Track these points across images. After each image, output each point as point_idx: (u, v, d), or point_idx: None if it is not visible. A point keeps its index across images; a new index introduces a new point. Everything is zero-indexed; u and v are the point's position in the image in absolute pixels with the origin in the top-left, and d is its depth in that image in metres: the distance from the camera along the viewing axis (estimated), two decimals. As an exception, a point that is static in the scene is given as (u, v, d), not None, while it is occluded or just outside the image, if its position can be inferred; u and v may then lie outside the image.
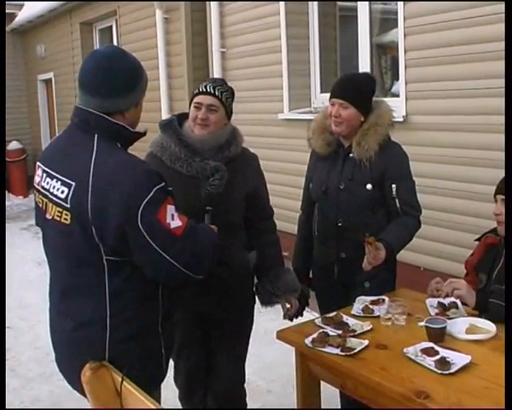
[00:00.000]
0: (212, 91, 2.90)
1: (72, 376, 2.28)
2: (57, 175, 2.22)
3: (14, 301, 6.26)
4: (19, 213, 11.71)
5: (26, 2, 12.61)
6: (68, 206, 2.16)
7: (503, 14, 3.48)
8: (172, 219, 2.16)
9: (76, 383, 2.27)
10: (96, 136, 2.20)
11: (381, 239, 3.00)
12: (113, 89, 2.21)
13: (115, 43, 9.71)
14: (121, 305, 2.23)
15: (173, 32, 7.83)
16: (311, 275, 3.46)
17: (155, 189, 2.13)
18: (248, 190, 3.02)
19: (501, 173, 2.98)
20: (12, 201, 12.67)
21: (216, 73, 6.84)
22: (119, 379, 2.10)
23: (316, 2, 5.96)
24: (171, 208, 2.17)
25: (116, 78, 2.21)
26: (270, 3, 6.10)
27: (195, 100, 2.93)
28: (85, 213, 2.12)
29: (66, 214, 2.17)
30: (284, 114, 6.07)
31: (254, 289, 3.17)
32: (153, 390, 2.34)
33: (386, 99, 3.46)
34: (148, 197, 2.10)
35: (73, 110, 2.32)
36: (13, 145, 12.85)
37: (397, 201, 3.14)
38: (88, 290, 2.25)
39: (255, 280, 3.18)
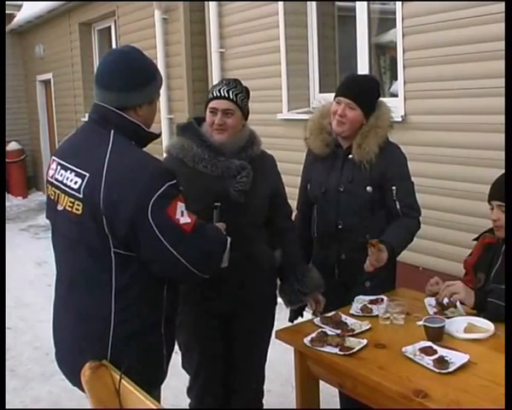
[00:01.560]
0: (227, 95, 2.89)
1: (74, 373, 2.28)
2: (71, 167, 2.27)
3: (13, 301, 6.27)
4: (18, 214, 11.72)
5: (24, 3, 12.61)
6: (81, 196, 2.21)
7: (502, 14, 3.50)
8: (182, 215, 2.20)
9: (77, 380, 2.27)
10: (112, 131, 2.25)
11: (383, 241, 3.01)
12: (127, 83, 2.28)
13: (114, 43, 9.72)
14: (126, 301, 2.26)
15: (172, 32, 7.83)
16: None
17: (167, 184, 2.18)
18: (270, 189, 3.05)
19: (498, 173, 2.99)
20: (11, 201, 12.67)
21: (215, 73, 6.84)
22: (117, 377, 2.10)
23: (314, 3, 5.96)
24: (181, 205, 2.21)
25: (131, 72, 2.28)
26: (269, 4, 6.10)
27: (210, 105, 2.92)
28: (97, 204, 2.16)
29: (78, 205, 2.22)
30: (283, 114, 6.07)
31: (278, 289, 3.18)
32: (152, 390, 2.35)
33: (385, 99, 3.46)
34: (160, 192, 2.15)
35: (92, 107, 2.37)
36: (12, 146, 12.85)
37: (397, 202, 3.16)
38: (94, 284, 2.27)
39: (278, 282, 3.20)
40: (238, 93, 2.92)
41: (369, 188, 3.14)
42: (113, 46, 9.74)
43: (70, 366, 2.36)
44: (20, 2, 12.71)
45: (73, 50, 10.95)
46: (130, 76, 2.28)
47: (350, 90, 3.16)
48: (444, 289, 2.81)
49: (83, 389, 2.24)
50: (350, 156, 3.18)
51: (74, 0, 10.02)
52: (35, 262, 7.87)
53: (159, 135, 2.44)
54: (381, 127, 3.15)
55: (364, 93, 3.17)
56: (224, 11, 6.77)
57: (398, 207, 3.16)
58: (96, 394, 2.14)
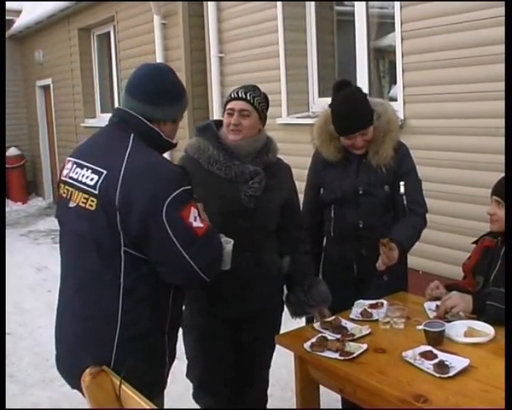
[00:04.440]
0: (244, 96, 2.92)
1: (75, 374, 2.28)
2: (88, 164, 2.33)
3: (12, 306, 6.26)
4: (18, 220, 11.71)
5: (24, 9, 12.61)
6: (96, 192, 2.25)
7: (500, 18, 3.50)
8: (195, 220, 2.25)
9: (78, 381, 2.25)
10: (132, 135, 2.31)
11: (392, 239, 3.01)
12: (156, 97, 2.36)
13: (113, 49, 9.73)
14: (133, 303, 2.28)
15: (171, 37, 7.84)
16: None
17: (182, 189, 2.23)
18: (284, 198, 3.05)
19: (497, 176, 3.00)
20: (11, 207, 12.67)
21: (214, 78, 6.85)
22: (117, 382, 2.10)
23: (313, 8, 5.97)
24: (194, 211, 2.26)
25: (161, 88, 2.38)
26: (268, 9, 6.11)
27: (228, 106, 2.95)
28: (112, 201, 2.20)
29: (92, 200, 2.26)
30: (282, 118, 6.08)
31: (284, 298, 3.18)
32: (155, 397, 2.36)
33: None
34: (175, 194, 2.20)
35: (114, 111, 2.45)
36: (11, 151, 12.84)
37: (404, 198, 3.18)
38: (102, 284, 2.29)
39: (285, 290, 3.20)
40: (255, 96, 2.95)
41: (386, 187, 3.19)
42: (113, 51, 9.77)
43: (72, 367, 2.36)
44: (19, 7, 12.72)
45: (73, 56, 10.96)
46: (158, 92, 2.37)
47: (358, 124, 3.14)
48: (441, 305, 2.81)
49: (82, 392, 2.24)
50: (364, 160, 3.21)
51: (75, 0, 9.98)
52: (35, 268, 7.85)
53: (175, 144, 2.49)
54: (394, 130, 3.19)
55: (367, 112, 3.16)
56: (224, 16, 6.79)
57: (404, 202, 3.18)
58: (96, 399, 2.14)
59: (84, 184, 2.30)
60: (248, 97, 2.92)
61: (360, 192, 3.21)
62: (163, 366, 2.44)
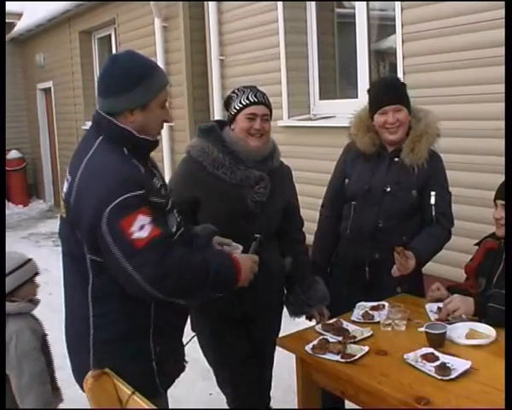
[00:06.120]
0: (263, 101, 2.91)
1: (73, 370, 2.39)
2: (68, 172, 2.30)
3: (14, 309, 6.25)
4: (19, 222, 11.70)
5: (24, 12, 12.62)
6: (65, 199, 2.24)
7: (502, 20, 3.50)
8: (141, 229, 2.08)
9: (75, 378, 2.37)
10: (100, 137, 2.24)
11: (412, 248, 3.03)
12: (112, 88, 2.24)
13: (114, 51, 9.72)
14: (105, 306, 2.25)
15: (172, 40, 7.85)
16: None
17: (127, 195, 2.08)
18: (286, 201, 3.06)
19: (499, 178, 3.00)
20: (12, 210, 12.67)
21: (215, 80, 6.85)
22: (121, 387, 2.10)
23: (314, 10, 5.97)
24: (142, 219, 2.10)
25: (115, 77, 2.24)
26: (269, 11, 6.11)
27: (248, 111, 2.89)
28: (71, 208, 2.20)
29: (64, 208, 2.26)
30: (283, 121, 6.07)
31: (284, 298, 3.19)
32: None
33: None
34: (116, 202, 2.07)
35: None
36: (12, 154, 12.85)
37: (433, 208, 3.16)
38: (75, 288, 2.31)
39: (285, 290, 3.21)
40: (268, 99, 2.96)
41: (414, 192, 3.16)
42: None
43: (70, 364, 2.43)
44: (20, 10, 12.73)
45: (73, 58, 10.97)
46: (114, 82, 2.23)
47: (393, 96, 3.17)
48: (443, 308, 2.81)
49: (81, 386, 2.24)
50: (396, 159, 3.19)
51: (76, 0, 9.97)
52: (36, 270, 7.85)
53: (153, 141, 2.32)
54: (431, 134, 3.16)
55: (402, 91, 3.20)
56: (224, 18, 6.79)
57: (433, 213, 3.16)
58: (98, 401, 2.14)
59: (63, 192, 2.29)
60: (267, 102, 2.93)
61: (387, 190, 3.17)
62: (148, 371, 2.32)
